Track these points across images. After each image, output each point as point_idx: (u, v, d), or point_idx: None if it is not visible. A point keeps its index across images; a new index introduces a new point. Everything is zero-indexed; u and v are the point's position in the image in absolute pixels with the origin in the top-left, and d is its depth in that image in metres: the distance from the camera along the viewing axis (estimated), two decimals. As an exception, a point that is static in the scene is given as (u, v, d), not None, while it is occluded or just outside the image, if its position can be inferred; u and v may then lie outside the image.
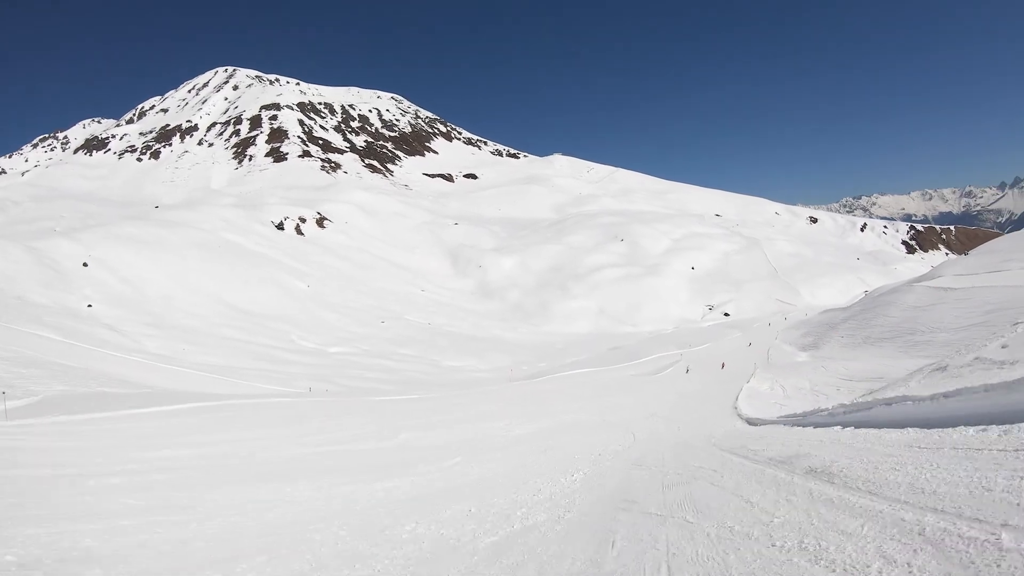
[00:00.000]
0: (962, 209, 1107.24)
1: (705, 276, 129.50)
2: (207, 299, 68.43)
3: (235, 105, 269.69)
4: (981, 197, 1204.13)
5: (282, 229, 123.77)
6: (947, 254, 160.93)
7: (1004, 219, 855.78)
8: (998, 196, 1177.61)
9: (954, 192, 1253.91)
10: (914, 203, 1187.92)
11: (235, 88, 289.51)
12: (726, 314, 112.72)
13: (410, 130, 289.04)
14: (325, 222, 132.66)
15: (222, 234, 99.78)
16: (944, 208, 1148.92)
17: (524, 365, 60.54)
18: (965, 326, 30.94)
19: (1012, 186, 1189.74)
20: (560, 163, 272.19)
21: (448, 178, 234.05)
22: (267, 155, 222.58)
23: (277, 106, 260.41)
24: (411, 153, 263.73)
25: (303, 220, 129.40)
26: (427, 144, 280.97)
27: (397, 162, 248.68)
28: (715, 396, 25.39)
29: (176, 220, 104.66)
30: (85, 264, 73.03)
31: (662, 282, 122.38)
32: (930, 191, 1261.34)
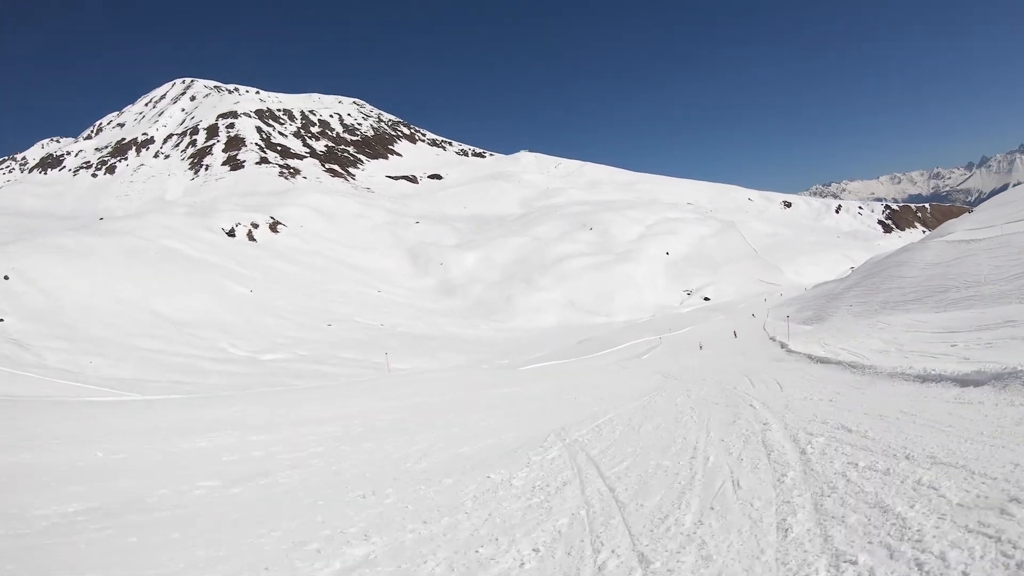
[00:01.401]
0: (931, 191, 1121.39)
1: (681, 260, 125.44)
2: (130, 308, 62.87)
3: (192, 116, 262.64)
4: (949, 178, 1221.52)
5: (233, 235, 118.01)
6: (923, 231, 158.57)
7: (973, 198, 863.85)
8: (966, 176, 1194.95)
9: (922, 174, 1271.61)
10: (883, 187, 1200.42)
11: (192, 99, 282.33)
12: (706, 298, 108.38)
13: (373, 134, 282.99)
14: (279, 226, 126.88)
15: (162, 241, 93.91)
16: (913, 190, 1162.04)
17: (484, 364, 55.78)
18: (1017, 274, 26.50)
19: (979, 166, 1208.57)
20: (527, 160, 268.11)
21: (412, 179, 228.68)
22: (224, 163, 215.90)
23: (235, 114, 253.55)
24: (374, 156, 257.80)
25: (255, 225, 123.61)
26: (390, 147, 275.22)
27: (359, 166, 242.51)
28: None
29: (115, 229, 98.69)
30: (6, 277, 67.43)
31: (635, 269, 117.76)
32: (899, 175, 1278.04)
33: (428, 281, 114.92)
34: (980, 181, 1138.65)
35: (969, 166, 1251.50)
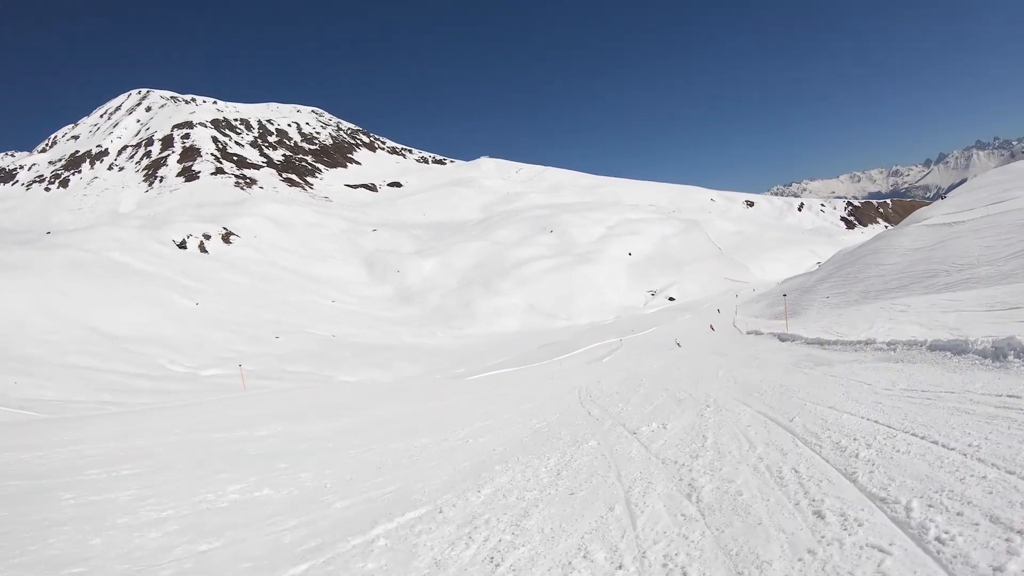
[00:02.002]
0: (890, 188, 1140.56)
1: (644, 261, 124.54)
2: (67, 324, 60.35)
3: (147, 127, 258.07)
4: (908, 175, 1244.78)
5: (184, 247, 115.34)
6: (886, 226, 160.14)
7: (932, 194, 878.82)
8: (924, 173, 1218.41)
9: (881, 172, 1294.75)
10: (843, 186, 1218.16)
11: (148, 110, 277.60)
12: (671, 298, 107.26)
13: (331, 142, 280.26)
14: (232, 237, 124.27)
15: (108, 255, 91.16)
16: (873, 188, 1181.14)
17: (437, 373, 54.30)
18: (1015, 253, 25.33)
19: (937, 162, 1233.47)
20: (487, 166, 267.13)
21: (371, 188, 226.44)
22: (178, 175, 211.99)
23: (190, 124, 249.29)
24: (332, 165, 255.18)
25: (207, 237, 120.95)
26: (349, 155, 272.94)
27: (317, 175, 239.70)
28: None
29: (60, 243, 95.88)
30: (-61, 295, 64.81)
31: (597, 270, 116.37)
32: (858, 173, 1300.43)
33: (385, 289, 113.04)
34: (938, 177, 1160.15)
35: (927, 163, 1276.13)
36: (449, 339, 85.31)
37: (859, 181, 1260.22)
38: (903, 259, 36.10)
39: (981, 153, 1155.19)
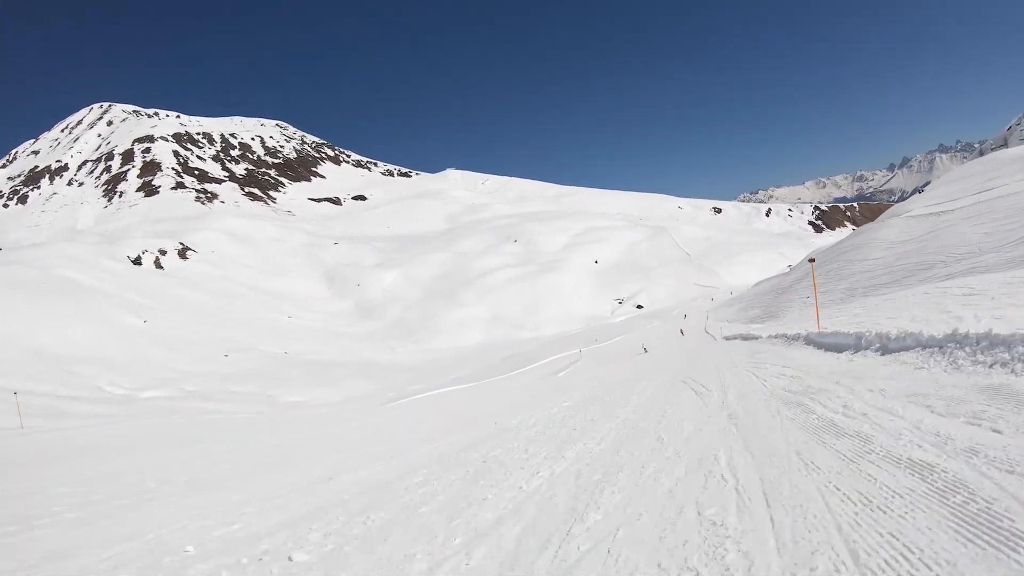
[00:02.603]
0: (855, 193, 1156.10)
1: (611, 268, 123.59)
2: (3, 344, 58.04)
3: (108, 141, 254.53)
4: (872, 180, 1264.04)
5: (139, 263, 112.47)
6: (853, 229, 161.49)
7: (896, 197, 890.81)
8: (889, 177, 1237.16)
9: (846, 178, 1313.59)
10: (809, 192, 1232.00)
11: (109, 124, 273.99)
12: (639, 306, 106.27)
13: (295, 156, 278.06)
14: (188, 252, 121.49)
15: (58, 271, 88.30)
16: (838, 194, 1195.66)
17: (391, 391, 52.62)
18: (1022, 238, 23.72)
19: (901, 166, 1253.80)
20: (453, 177, 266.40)
21: (335, 201, 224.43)
22: (138, 190, 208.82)
23: (151, 138, 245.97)
24: (296, 179, 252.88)
25: (163, 252, 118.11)
26: (314, 169, 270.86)
27: (280, 189, 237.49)
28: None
29: (8, 260, 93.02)
30: None
31: (562, 279, 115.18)
32: (824, 179, 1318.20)
33: (345, 304, 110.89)
34: (902, 181, 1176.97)
35: (891, 167, 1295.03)
36: (409, 354, 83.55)
37: (824, 187, 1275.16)
38: (890, 252, 35.07)
39: (944, 156, 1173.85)
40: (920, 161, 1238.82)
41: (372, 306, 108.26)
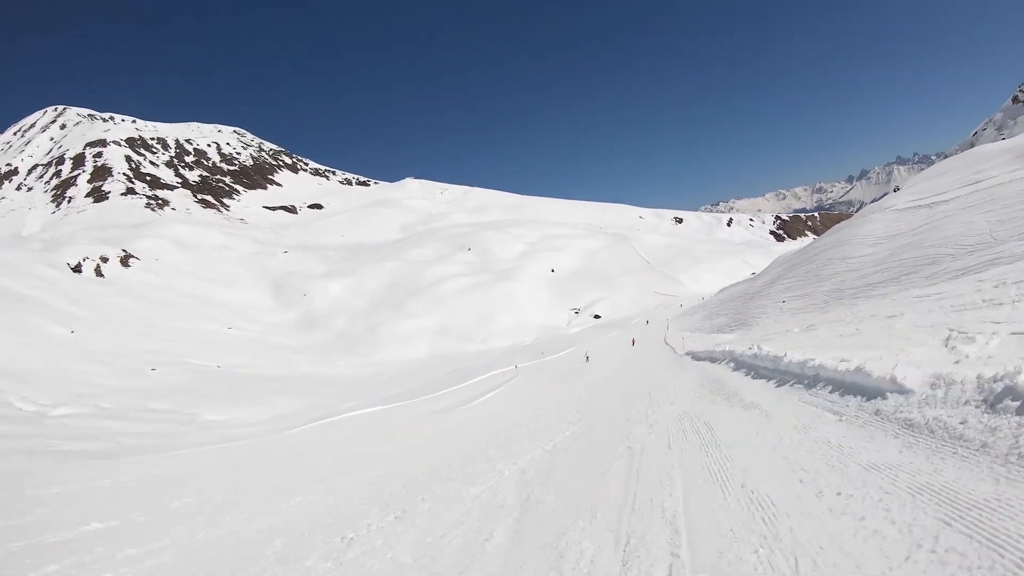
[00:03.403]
0: (815, 204, 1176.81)
1: (569, 276, 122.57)
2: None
3: (59, 145, 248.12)
4: (831, 191, 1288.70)
5: (79, 271, 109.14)
6: (815, 238, 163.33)
7: (855, 208, 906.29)
8: (847, 189, 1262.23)
9: (806, 189, 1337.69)
10: (769, 204, 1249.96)
11: (63, 127, 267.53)
12: (596, 316, 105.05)
13: (252, 163, 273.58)
14: (131, 260, 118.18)
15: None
16: (798, 205, 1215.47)
17: (321, 408, 51.01)
18: None
19: (859, 178, 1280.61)
20: (412, 186, 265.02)
21: (291, 210, 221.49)
22: (88, 195, 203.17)
23: (103, 142, 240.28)
24: (252, 187, 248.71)
25: (104, 259, 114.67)
26: (270, 177, 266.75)
27: (235, 196, 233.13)
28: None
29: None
30: None
31: (517, 287, 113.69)
32: (783, 191, 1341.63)
33: (289, 315, 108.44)
34: (861, 192, 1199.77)
35: (850, 179, 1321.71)
36: (351, 367, 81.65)
37: (784, 199, 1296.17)
38: (880, 248, 32.61)
39: (902, 168, 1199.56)
40: (879, 173, 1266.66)
41: (316, 317, 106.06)
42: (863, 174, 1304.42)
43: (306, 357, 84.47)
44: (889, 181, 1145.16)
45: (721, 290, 69.52)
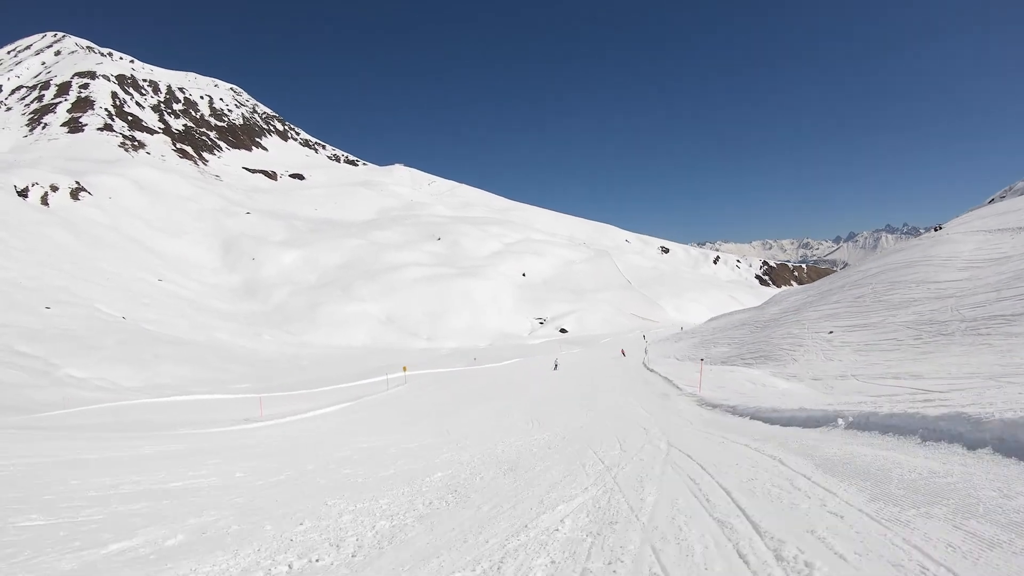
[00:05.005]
0: (799, 258, 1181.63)
1: (540, 284, 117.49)
2: None
3: (49, 70, 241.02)
4: (818, 249, 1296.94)
5: (24, 196, 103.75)
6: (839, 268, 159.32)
7: (840, 267, 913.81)
8: (833, 248, 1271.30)
9: (792, 243, 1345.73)
10: (755, 251, 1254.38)
11: (57, 53, 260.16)
12: (563, 330, 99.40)
13: (242, 123, 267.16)
14: (82, 193, 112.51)
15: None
16: (783, 257, 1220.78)
17: (204, 384, 46.15)
18: None
19: (847, 240, 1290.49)
20: (400, 173, 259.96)
21: (271, 175, 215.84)
22: (64, 124, 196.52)
23: (92, 75, 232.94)
24: (237, 146, 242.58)
25: (54, 188, 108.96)
26: (257, 140, 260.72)
27: (216, 152, 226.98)
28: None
29: None
30: None
31: (480, 286, 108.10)
32: (770, 241, 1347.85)
33: (232, 278, 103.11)
34: (847, 254, 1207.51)
35: (837, 239, 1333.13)
36: (275, 344, 76.25)
37: (770, 248, 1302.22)
38: (985, 271, 24.39)
39: (890, 236, 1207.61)
40: (866, 237, 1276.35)
41: (260, 285, 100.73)
42: (851, 236, 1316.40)
43: (231, 326, 79.01)
44: (876, 247, 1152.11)
45: (713, 318, 62.60)
